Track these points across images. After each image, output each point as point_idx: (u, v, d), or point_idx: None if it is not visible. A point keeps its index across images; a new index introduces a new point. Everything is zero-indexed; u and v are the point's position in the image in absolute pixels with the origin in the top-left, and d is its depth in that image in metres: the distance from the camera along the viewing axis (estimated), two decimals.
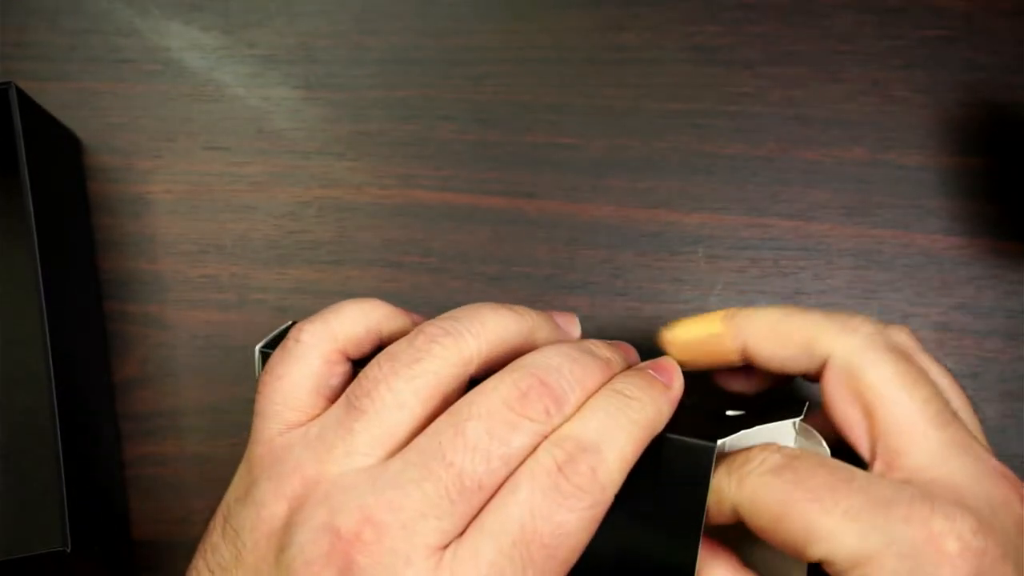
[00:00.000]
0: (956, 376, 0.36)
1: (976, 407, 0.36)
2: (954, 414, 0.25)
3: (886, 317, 0.37)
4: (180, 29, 0.39)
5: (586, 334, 0.30)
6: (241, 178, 0.38)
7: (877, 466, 0.25)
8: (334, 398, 0.26)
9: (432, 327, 0.25)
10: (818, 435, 0.26)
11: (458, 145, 0.38)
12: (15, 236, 0.36)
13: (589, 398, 0.24)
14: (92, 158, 0.38)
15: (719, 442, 0.24)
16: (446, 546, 0.22)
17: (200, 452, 0.36)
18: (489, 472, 0.22)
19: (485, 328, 0.25)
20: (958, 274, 0.37)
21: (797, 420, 0.26)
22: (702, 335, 0.28)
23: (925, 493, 0.23)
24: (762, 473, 0.24)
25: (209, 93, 0.39)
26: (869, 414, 0.25)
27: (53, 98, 0.38)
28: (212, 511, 0.26)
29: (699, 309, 0.36)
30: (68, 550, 0.30)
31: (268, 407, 0.26)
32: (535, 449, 0.23)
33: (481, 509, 0.23)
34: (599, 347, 0.27)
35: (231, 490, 0.26)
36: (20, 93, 0.32)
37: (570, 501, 0.22)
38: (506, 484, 0.23)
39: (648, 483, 0.25)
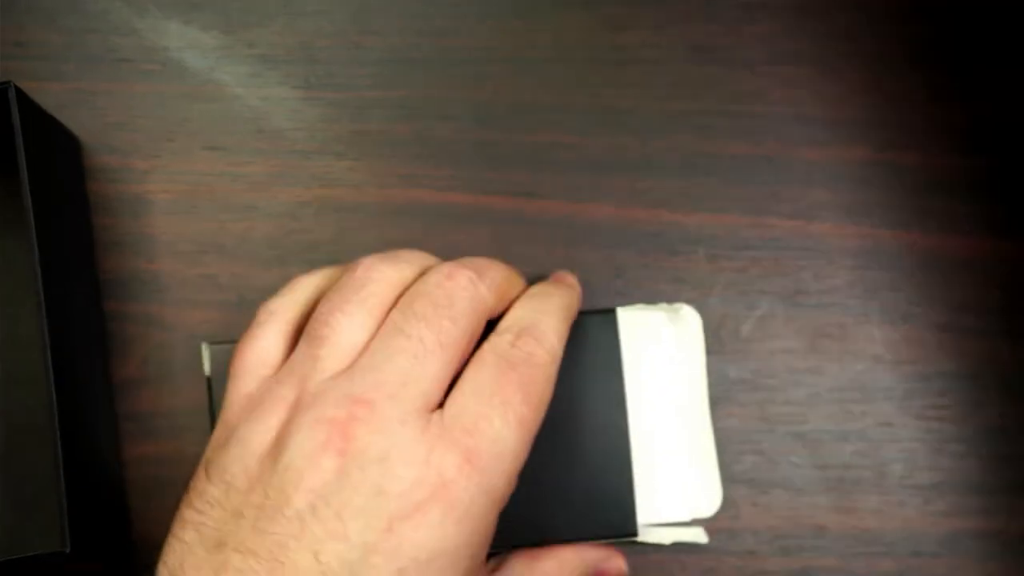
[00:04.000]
0: (956, 376, 0.37)
1: (976, 407, 0.36)
2: None
3: (886, 317, 0.37)
4: (179, 29, 0.39)
5: None
6: (241, 178, 0.38)
7: None
8: None
9: (370, 257, 0.29)
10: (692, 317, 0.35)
11: (458, 145, 0.38)
12: (14, 236, 0.36)
13: (516, 298, 0.30)
14: (91, 158, 0.38)
15: (617, 309, 0.33)
16: (433, 410, 0.25)
17: (200, 452, 0.36)
18: (443, 331, 0.26)
19: (416, 256, 0.30)
20: (958, 274, 0.37)
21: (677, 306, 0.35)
22: None
23: None
24: None
25: (208, 93, 0.39)
26: None
27: (51, 98, 0.38)
28: None
29: (700, 309, 0.36)
30: (68, 550, 0.30)
31: (241, 367, 0.28)
32: (476, 318, 0.27)
33: (456, 379, 0.26)
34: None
35: (207, 449, 0.27)
36: (19, 93, 0.32)
37: (528, 361, 0.27)
38: (473, 359, 0.27)
39: (574, 358, 0.31)
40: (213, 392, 0.33)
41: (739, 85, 0.38)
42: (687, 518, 0.33)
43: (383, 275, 0.28)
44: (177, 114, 0.38)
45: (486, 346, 0.27)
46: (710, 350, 0.36)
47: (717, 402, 0.36)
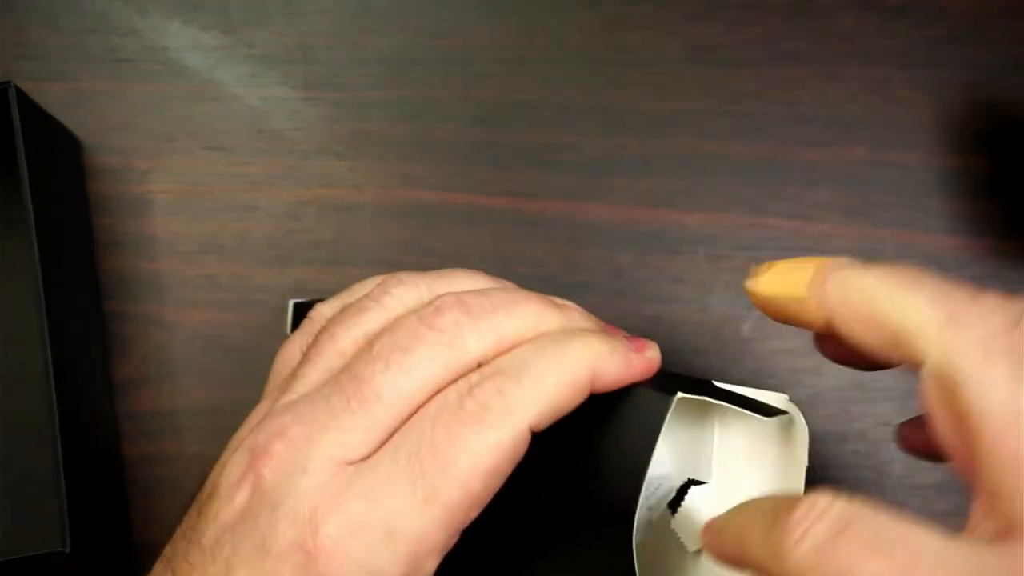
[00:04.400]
0: None
1: None
2: None
3: None
4: (179, 29, 0.39)
5: None
6: (241, 178, 0.38)
7: (976, 508, 0.18)
8: None
9: (396, 276, 0.26)
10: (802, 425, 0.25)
11: (458, 145, 0.38)
12: (14, 236, 0.36)
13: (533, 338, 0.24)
14: (92, 158, 0.38)
15: (679, 395, 0.23)
16: (353, 463, 0.22)
17: (200, 452, 0.36)
18: (388, 381, 0.22)
19: (446, 280, 0.25)
20: (960, 274, 0.37)
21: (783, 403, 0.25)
22: (784, 296, 0.23)
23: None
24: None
25: (208, 93, 0.39)
26: (969, 442, 0.18)
27: (52, 98, 0.38)
28: None
29: (700, 309, 0.36)
30: (68, 550, 0.30)
31: (272, 370, 0.28)
32: (441, 368, 0.23)
33: (395, 431, 0.22)
34: (565, 303, 0.26)
35: None
36: (19, 93, 0.32)
37: (473, 419, 0.21)
38: (421, 408, 0.22)
39: (605, 431, 0.24)
40: None
41: (739, 85, 0.38)
42: None
43: (392, 299, 0.25)
44: (177, 114, 0.38)
45: (443, 391, 0.23)
46: (709, 350, 0.36)
47: None
